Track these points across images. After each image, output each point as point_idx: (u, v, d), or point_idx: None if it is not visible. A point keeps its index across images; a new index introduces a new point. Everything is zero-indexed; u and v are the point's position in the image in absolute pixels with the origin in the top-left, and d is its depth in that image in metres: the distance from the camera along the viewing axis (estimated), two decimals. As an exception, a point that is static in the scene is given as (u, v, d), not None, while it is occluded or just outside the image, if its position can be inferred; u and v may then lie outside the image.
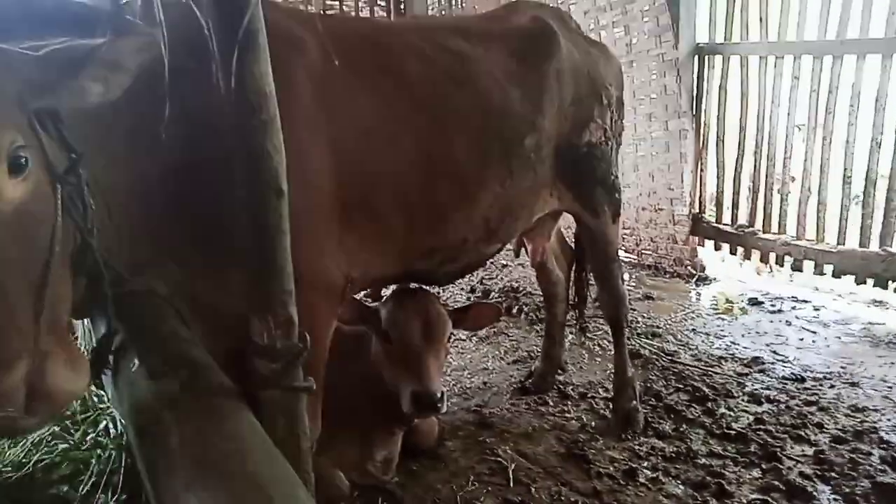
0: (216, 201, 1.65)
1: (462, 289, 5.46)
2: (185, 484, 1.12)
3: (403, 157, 2.25)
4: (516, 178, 2.68)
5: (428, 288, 2.89)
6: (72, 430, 1.50)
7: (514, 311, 4.94)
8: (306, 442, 1.44)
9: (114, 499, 1.29)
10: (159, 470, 1.21)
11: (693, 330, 4.60)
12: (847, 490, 2.75)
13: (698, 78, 5.61)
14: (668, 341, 4.38)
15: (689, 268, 5.82)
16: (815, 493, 2.73)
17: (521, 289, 5.33)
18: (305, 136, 1.93)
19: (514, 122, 2.63)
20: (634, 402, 3.33)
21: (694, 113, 5.64)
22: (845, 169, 4.87)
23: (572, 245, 3.80)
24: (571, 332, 4.43)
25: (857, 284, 4.88)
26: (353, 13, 7.89)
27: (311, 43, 2.04)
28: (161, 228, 1.73)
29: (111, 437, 1.45)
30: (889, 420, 3.32)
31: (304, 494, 1.11)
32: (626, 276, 4.87)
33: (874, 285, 4.75)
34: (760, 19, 5.23)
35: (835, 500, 2.71)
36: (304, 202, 1.93)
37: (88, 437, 1.46)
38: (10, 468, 1.34)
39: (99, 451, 1.42)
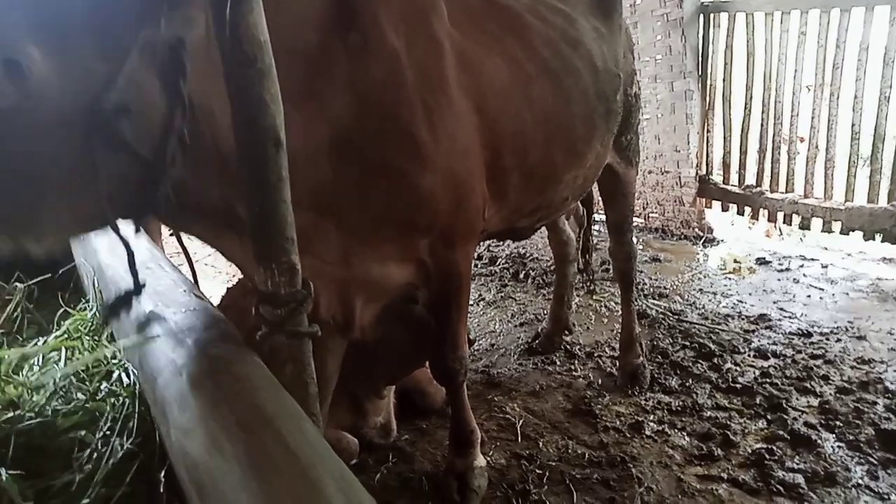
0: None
1: (469, 256, 5.48)
2: (197, 419, 1.17)
3: (530, 117, 2.28)
4: (610, 135, 2.75)
5: None
6: (86, 382, 1.57)
7: (522, 276, 4.97)
8: (314, 387, 1.48)
9: (129, 441, 1.34)
10: (173, 410, 1.26)
11: (700, 290, 4.61)
12: (851, 437, 2.78)
13: (703, 37, 5.54)
14: (675, 301, 4.39)
15: (696, 230, 5.81)
16: (819, 441, 2.76)
17: (527, 254, 5.36)
18: (458, 96, 1.97)
19: (611, 79, 2.68)
20: (641, 358, 3.37)
21: (700, 73, 5.59)
22: (853, 125, 4.82)
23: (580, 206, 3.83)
24: (579, 295, 4.47)
25: (865, 241, 4.87)
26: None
27: (442, 4, 2.05)
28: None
29: (124, 386, 1.51)
30: (895, 371, 3.34)
31: (311, 427, 1.15)
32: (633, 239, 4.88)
33: (882, 240, 4.74)
34: (766, -26, 5.16)
35: (839, 447, 2.74)
36: (468, 162, 2.03)
37: (103, 387, 1.53)
38: (32, 414, 1.41)
39: (113, 399, 1.48)
